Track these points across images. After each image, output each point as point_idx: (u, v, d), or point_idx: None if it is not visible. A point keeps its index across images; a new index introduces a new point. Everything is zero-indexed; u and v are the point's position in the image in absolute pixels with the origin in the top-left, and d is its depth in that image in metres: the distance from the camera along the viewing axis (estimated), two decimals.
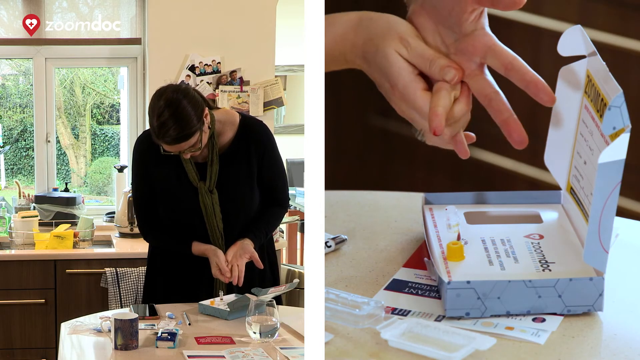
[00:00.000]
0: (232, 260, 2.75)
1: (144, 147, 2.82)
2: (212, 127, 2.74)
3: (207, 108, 2.71)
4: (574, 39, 1.41)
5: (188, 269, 2.86)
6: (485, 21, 1.41)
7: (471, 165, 2.41)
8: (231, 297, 2.74)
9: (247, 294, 2.72)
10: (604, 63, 1.36)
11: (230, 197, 2.81)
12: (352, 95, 2.38)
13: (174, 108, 2.61)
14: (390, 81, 1.39)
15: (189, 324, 2.60)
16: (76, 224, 4.22)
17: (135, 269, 3.83)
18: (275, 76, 4.40)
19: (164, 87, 2.71)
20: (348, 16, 1.45)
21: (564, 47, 1.42)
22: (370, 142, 2.54)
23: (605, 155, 1.25)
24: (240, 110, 4.20)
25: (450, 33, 1.42)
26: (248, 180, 2.83)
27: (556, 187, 1.59)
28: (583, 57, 1.43)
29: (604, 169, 1.26)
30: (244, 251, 2.76)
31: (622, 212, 1.59)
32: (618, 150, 1.25)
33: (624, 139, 1.25)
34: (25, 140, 5.76)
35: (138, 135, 2.94)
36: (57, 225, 4.21)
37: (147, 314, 2.66)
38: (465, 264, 1.41)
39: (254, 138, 2.83)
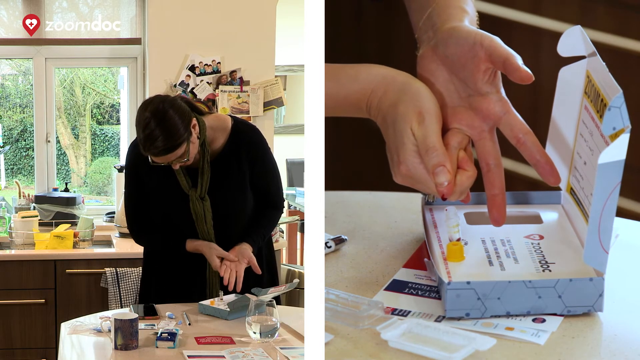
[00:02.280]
0: (231, 265, 2.74)
1: (135, 153, 2.80)
2: (202, 135, 2.72)
3: (194, 118, 2.69)
4: (574, 40, 1.42)
5: (182, 270, 2.86)
6: (500, 82, 1.42)
7: None
8: (231, 297, 2.74)
9: (247, 294, 2.72)
10: (604, 63, 1.36)
11: (222, 203, 2.80)
12: None
13: (160, 119, 2.60)
14: (399, 156, 1.41)
15: (189, 324, 2.60)
16: (76, 224, 4.22)
17: (135, 269, 3.83)
18: (275, 76, 4.40)
19: (150, 98, 2.70)
20: (385, 71, 1.45)
21: (564, 48, 1.42)
22: (370, 142, 2.54)
23: (605, 156, 1.25)
24: (238, 114, 4.20)
25: (464, 86, 1.43)
26: (240, 186, 2.82)
27: (556, 188, 1.59)
28: (583, 57, 1.43)
29: (603, 170, 1.26)
30: (242, 256, 2.76)
31: (622, 213, 1.59)
32: (618, 150, 1.25)
33: (624, 140, 1.25)
34: (25, 140, 5.76)
35: (132, 141, 2.92)
36: (57, 225, 4.21)
37: (147, 314, 2.66)
38: (465, 265, 1.41)
39: (245, 143, 2.81)
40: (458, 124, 1.43)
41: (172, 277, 2.88)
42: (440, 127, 1.40)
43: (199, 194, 2.77)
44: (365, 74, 1.46)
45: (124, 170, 4.38)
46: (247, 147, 2.82)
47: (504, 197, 1.42)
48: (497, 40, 1.40)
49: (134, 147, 2.84)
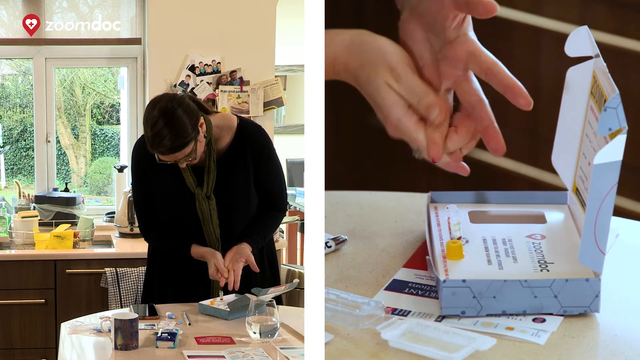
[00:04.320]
0: (229, 265, 2.74)
1: (141, 152, 2.81)
2: (209, 134, 2.73)
3: (202, 117, 2.69)
4: (580, 40, 1.42)
5: (185, 271, 2.86)
6: (469, 27, 1.42)
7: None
8: (231, 297, 2.74)
9: (247, 294, 2.72)
10: (605, 64, 1.36)
11: (228, 203, 2.80)
12: (351, 95, 2.37)
13: (168, 117, 2.60)
14: (382, 113, 1.41)
15: (189, 324, 2.60)
16: (76, 224, 4.22)
17: (135, 269, 3.83)
18: (275, 76, 4.40)
19: (159, 97, 2.70)
20: (342, 36, 1.45)
21: (571, 48, 1.43)
22: (370, 142, 2.54)
23: (601, 157, 1.25)
24: (238, 113, 4.20)
25: (437, 40, 1.44)
26: (245, 186, 2.82)
27: (556, 188, 1.59)
28: (588, 58, 1.43)
29: (599, 170, 1.26)
30: (240, 255, 2.76)
31: (622, 212, 1.59)
32: (614, 151, 1.25)
33: (620, 140, 1.25)
34: (25, 140, 5.76)
35: (137, 139, 2.92)
36: (57, 225, 4.21)
37: (147, 314, 2.66)
38: (463, 263, 1.41)
39: (250, 143, 2.82)
40: (436, 80, 1.43)
41: (176, 277, 2.88)
42: (416, 74, 1.39)
43: (205, 192, 2.78)
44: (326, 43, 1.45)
45: (124, 171, 4.40)
46: (252, 147, 2.82)
47: (496, 126, 1.40)
48: None
49: (138, 147, 2.84)
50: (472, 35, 1.42)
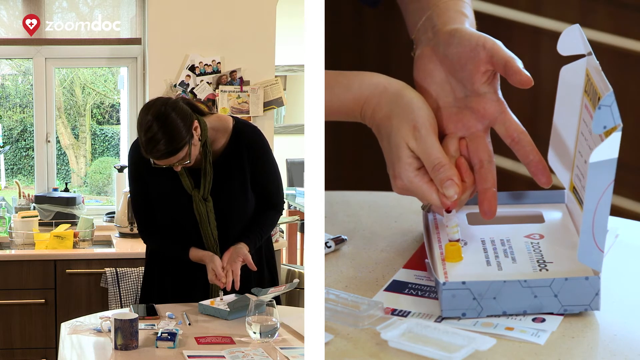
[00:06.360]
0: (227, 266, 2.75)
1: (137, 155, 2.79)
2: (204, 137, 2.72)
3: (196, 120, 2.69)
4: (573, 39, 1.42)
5: (184, 272, 2.86)
6: (498, 84, 1.44)
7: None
8: (231, 297, 2.74)
9: (247, 294, 2.72)
10: (597, 62, 1.36)
11: (225, 204, 2.80)
12: None
13: (162, 122, 2.59)
14: (394, 170, 1.42)
15: (189, 324, 2.60)
16: (76, 224, 4.22)
17: (135, 269, 3.83)
18: (275, 76, 4.40)
19: (152, 101, 2.69)
20: (378, 79, 1.46)
21: (564, 47, 1.43)
22: (370, 142, 2.54)
23: (596, 154, 1.25)
24: (238, 114, 4.20)
25: (461, 87, 1.44)
26: (242, 187, 2.82)
27: (554, 187, 1.59)
28: (582, 56, 1.44)
29: (595, 168, 1.26)
30: (237, 255, 2.76)
31: (621, 213, 1.59)
32: (610, 149, 1.25)
33: (616, 138, 1.25)
34: (25, 140, 5.76)
35: (133, 141, 2.91)
36: (57, 225, 4.21)
37: (147, 314, 2.66)
38: (462, 265, 1.41)
39: (246, 144, 2.81)
40: (453, 126, 1.44)
41: (175, 277, 2.88)
42: (437, 137, 1.41)
43: (202, 194, 2.77)
44: (358, 83, 1.47)
45: (124, 171, 4.40)
46: (248, 147, 2.82)
47: (495, 191, 1.44)
48: (499, 43, 1.41)
49: (135, 149, 2.83)
50: (500, 94, 1.44)
